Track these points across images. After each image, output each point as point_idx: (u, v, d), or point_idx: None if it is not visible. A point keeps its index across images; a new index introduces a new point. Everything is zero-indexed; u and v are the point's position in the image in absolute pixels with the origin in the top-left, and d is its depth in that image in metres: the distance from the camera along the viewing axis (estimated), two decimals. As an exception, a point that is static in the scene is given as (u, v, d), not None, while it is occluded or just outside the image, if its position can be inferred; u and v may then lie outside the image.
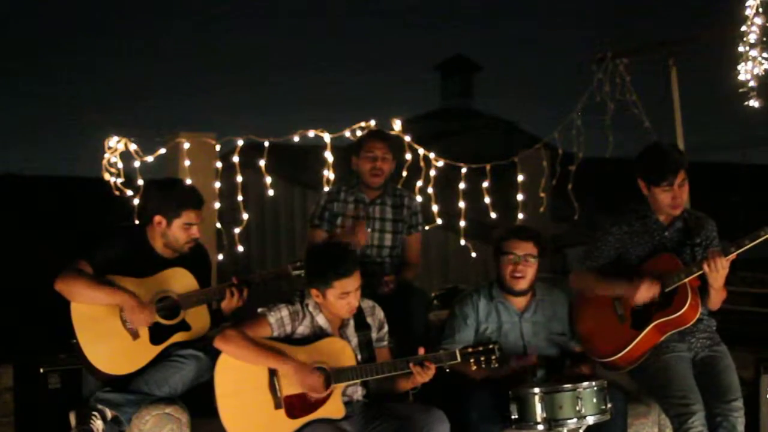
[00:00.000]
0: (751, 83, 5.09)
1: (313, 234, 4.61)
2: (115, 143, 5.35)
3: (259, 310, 3.64)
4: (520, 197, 6.37)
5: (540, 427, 3.59)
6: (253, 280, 3.90)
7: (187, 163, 5.42)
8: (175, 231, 3.80)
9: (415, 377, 3.57)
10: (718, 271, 3.67)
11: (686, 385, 3.75)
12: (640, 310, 3.86)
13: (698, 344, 3.94)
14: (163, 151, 5.48)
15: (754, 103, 5.10)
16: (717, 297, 3.83)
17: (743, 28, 5.09)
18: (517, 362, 3.91)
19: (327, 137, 5.58)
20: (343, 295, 3.56)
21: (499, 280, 4.07)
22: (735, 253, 3.68)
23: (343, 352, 3.61)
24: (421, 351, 3.60)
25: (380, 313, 3.83)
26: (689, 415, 3.67)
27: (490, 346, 3.64)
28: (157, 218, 3.80)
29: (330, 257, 3.62)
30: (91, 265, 3.71)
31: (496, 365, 3.64)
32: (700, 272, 3.72)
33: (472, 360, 3.62)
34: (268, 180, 5.69)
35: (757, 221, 3.68)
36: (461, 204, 6.03)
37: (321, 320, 3.65)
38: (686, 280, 3.74)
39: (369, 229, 4.56)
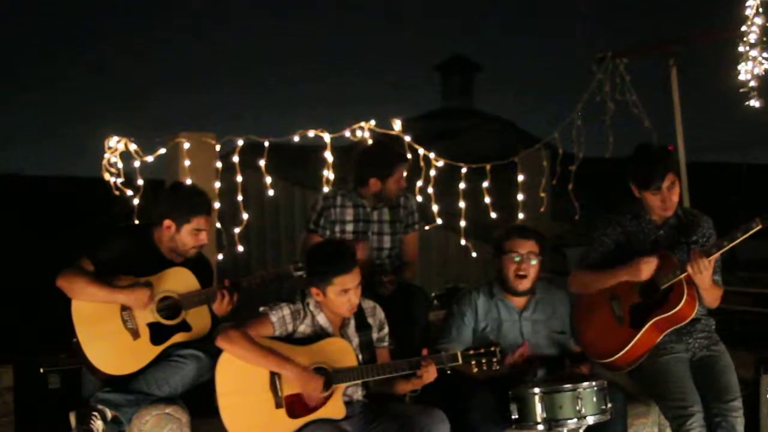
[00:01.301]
0: (752, 83, 5.08)
1: (309, 239, 4.60)
2: (115, 143, 5.35)
3: (261, 309, 3.64)
4: (520, 197, 6.38)
5: (540, 427, 3.59)
6: (241, 283, 3.89)
7: (187, 163, 5.43)
8: (184, 236, 3.81)
9: (416, 379, 3.57)
10: (701, 272, 3.67)
11: (684, 388, 3.75)
12: (638, 310, 3.86)
13: (696, 344, 3.94)
14: (163, 151, 5.49)
15: (754, 103, 5.10)
16: (708, 296, 3.83)
17: (743, 28, 5.09)
18: (512, 357, 3.89)
19: (327, 137, 5.58)
20: (343, 292, 3.57)
21: (500, 280, 4.07)
22: (717, 254, 3.68)
23: (345, 352, 3.61)
24: (425, 352, 3.61)
25: (381, 314, 3.84)
26: (687, 417, 3.67)
27: (492, 348, 3.64)
28: (167, 222, 3.80)
29: (329, 254, 3.63)
30: (94, 264, 3.71)
31: (497, 367, 3.65)
32: (683, 275, 3.72)
33: (473, 362, 3.63)
34: (268, 180, 5.69)
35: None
36: (461, 204, 6.03)
37: (322, 320, 3.66)
38: (681, 276, 3.75)
39: (369, 233, 4.58)
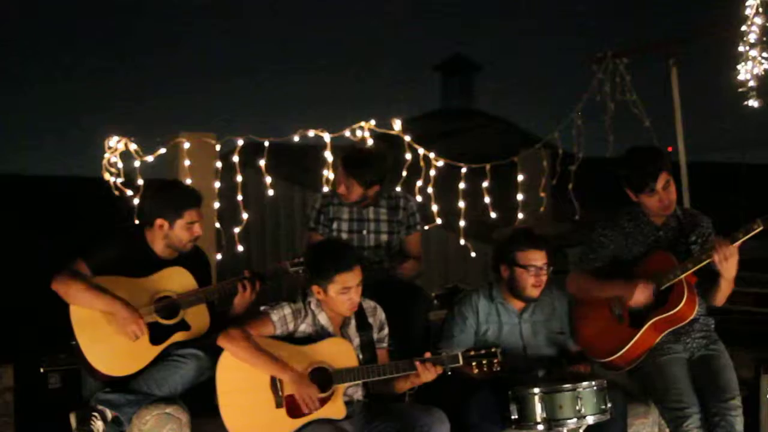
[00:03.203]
0: (751, 83, 5.09)
1: (310, 237, 4.63)
2: (115, 143, 5.35)
3: (262, 308, 3.65)
4: (520, 197, 6.38)
5: (540, 427, 3.59)
6: (266, 273, 3.88)
7: (187, 163, 5.43)
8: (178, 232, 3.80)
9: (415, 377, 3.57)
10: (727, 259, 3.64)
11: (681, 388, 3.75)
12: (638, 310, 3.86)
13: (694, 344, 3.94)
14: (163, 151, 5.49)
15: (753, 102, 5.10)
16: (728, 288, 3.79)
17: (743, 28, 5.10)
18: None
19: (327, 137, 5.58)
20: (345, 290, 3.57)
21: (511, 288, 4.03)
22: (742, 239, 3.63)
23: (345, 352, 3.62)
24: (428, 355, 3.61)
25: (381, 314, 3.84)
26: (685, 418, 3.67)
27: (492, 350, 3.64)
28: (159, 221, 3.79)
29: (331, 252, 3.64)
30: (89, 266, 3.70)
31: (498, 368, 3.64)
32: (706, 262, 3.69)
33: (474, 363, 3.62)
34: (268, 180, 5.69)
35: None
36: (461, 204, 6.03)
37: (323, 319, 3.66)
38: (682, 276, 3.74)
39: (364, 231, 4.58)
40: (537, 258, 3.96)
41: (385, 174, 4.60)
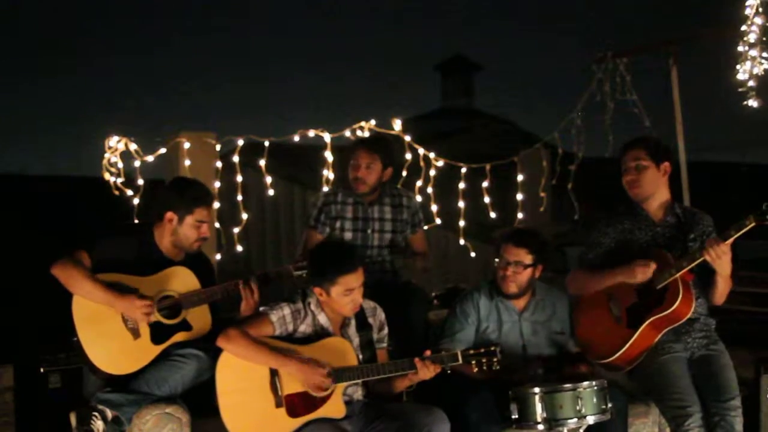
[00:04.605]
0: (750, 83, 5.09)
1: (309, 235, 4.63)
2: (115, 143, 5.36)
3: (261, 308, 3.64)
4: (520, 197, 6.39)
5: (540, 426, 3.59)
6: (270, 275, 3.88)
7: (187, 162, 5.44)
8: (186, 229, 3.79)
9: (413, 375, 3.58)
10: (720, 257, 3.64)
11: (682, 387, 3.75)
12: (635, 309, 3.86)
13: (695, 344, 3.94)
14: (163, 150, 5.49)
15: (752, 102, 5.10)
16: (725, 286, 3.80)
17: (743, 28, 5.10)
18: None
19: (327, 137, 5.59)
20: (348, 292, 3.57)
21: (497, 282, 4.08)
22: (734, 237, 3.61)
23: (345, 352, 3.62)
24: (427, 354, 3.61)
25: (381, 315, 3.84)
26: (685, 417, 3.67)
27: (492, 348, 3.64)
28: (169, 215, 3.78)
29: (333, 254, 3.64)
30: (91, 258, 3.69)
31: (497, 368, 3.65)
32: (700, 260, 3.68)
33: (473, 362, 3.63)
34: (268, 180, 5.69)
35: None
36: (461, 204, 6.04)
37: (322, 319, 3.66)
38: (677, 275, 3.74)
39: (369, 230, 4.58)
40: (510, 252, 4.00)
41: (395, 160, 4.70)
